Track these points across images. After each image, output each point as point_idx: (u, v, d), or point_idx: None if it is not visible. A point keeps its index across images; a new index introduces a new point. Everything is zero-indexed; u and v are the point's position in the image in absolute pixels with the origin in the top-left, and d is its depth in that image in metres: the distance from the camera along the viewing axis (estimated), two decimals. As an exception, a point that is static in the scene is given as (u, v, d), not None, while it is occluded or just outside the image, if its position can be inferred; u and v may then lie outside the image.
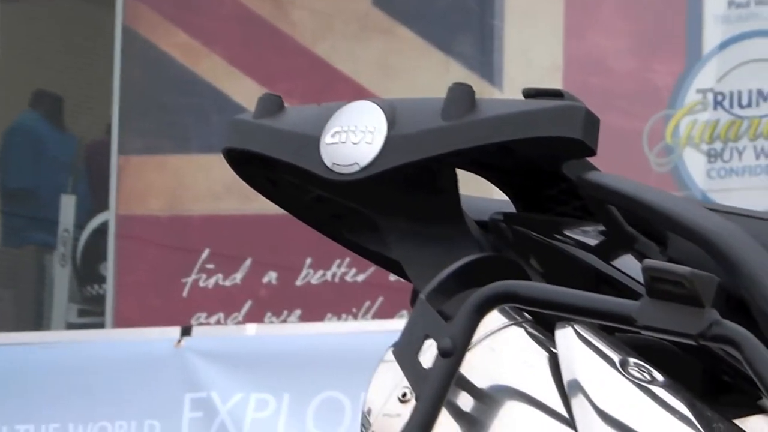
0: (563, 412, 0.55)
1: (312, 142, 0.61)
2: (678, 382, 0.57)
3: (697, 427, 0.54)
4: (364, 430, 0.59)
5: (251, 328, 2.51)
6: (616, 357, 0.57)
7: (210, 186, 2.47)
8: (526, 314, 0.59)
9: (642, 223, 0.62)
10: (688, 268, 0.51)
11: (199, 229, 2.70)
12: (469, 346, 0.55)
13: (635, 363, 0.57)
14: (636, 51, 2.38)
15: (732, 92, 2.35)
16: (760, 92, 2.31)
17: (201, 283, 2.62)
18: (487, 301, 0.55)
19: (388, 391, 0.58)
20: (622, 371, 0.56)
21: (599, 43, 2.36)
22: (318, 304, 2.51)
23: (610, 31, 2.36)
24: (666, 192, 0.63)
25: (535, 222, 0.65)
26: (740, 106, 2.35)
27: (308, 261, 2.50)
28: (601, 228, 0.62)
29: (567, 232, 0.64)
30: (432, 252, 0.64)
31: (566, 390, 0.55)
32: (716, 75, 2.37)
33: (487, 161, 0.64)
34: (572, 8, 2.32)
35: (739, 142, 2.34)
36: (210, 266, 2.62)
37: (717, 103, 2.37)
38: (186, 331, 2.28)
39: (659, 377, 0.56)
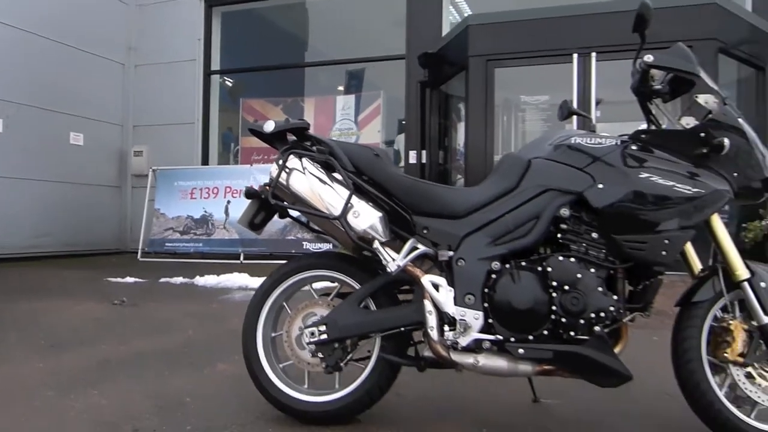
0: (323, 175, 2.17)
1: None
2: (328, 170, 2.18)
3: (328, 178, 2.17)
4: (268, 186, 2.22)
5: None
6: (321, 165, 2.19)
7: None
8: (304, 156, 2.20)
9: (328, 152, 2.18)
10: (326, 151, 2.21)
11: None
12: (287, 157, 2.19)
13: (319, 165, 2.18)
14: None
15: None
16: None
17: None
18: (290, 149, 2.22)
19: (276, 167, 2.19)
20: (319, 166, 2.19)
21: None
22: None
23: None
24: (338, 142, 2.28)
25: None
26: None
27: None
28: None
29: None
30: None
31: (310, 166, 2.17)
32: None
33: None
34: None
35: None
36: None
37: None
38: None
39: (321, 170, 2.18)
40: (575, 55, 7.24)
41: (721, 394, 2.05)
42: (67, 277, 7.06)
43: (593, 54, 7.16)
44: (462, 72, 7.89)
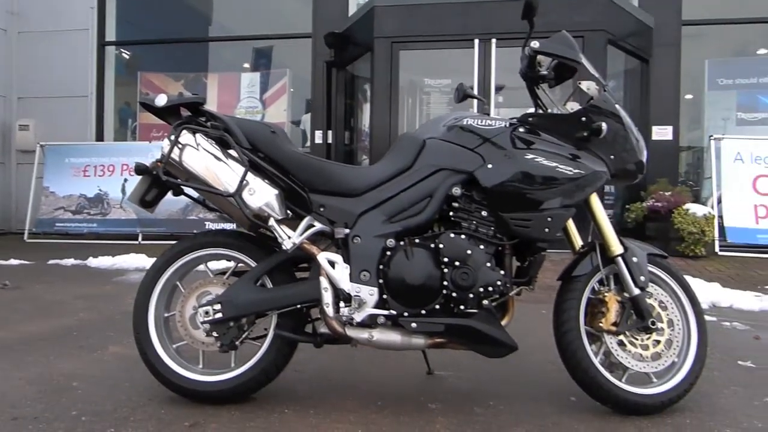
0: (217, 152, 2.10)
1: None
2: (223, 147, 2.10)
3: (223, 154, 2.10)
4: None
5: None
6: (216, 141, 2.12)
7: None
8: (199, 132, 2.11)
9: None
10: (221, 127, 2.14)
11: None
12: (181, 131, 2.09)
13: (214, 141, 2.11)
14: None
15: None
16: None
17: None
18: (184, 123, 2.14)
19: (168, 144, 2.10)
20: (214, 143, 2.12)
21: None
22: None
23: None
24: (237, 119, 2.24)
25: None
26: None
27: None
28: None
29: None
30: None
31: (205, 142, 2.10)
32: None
33: None
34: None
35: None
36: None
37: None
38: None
39: (216, 146, 2.10)
40: (476, 41, 7.44)
41: (596, 361, 2.20)
42: (-59, 260, 6.53)
43: (493, 40, 7.39)
44: (368, 53, 7.98)
